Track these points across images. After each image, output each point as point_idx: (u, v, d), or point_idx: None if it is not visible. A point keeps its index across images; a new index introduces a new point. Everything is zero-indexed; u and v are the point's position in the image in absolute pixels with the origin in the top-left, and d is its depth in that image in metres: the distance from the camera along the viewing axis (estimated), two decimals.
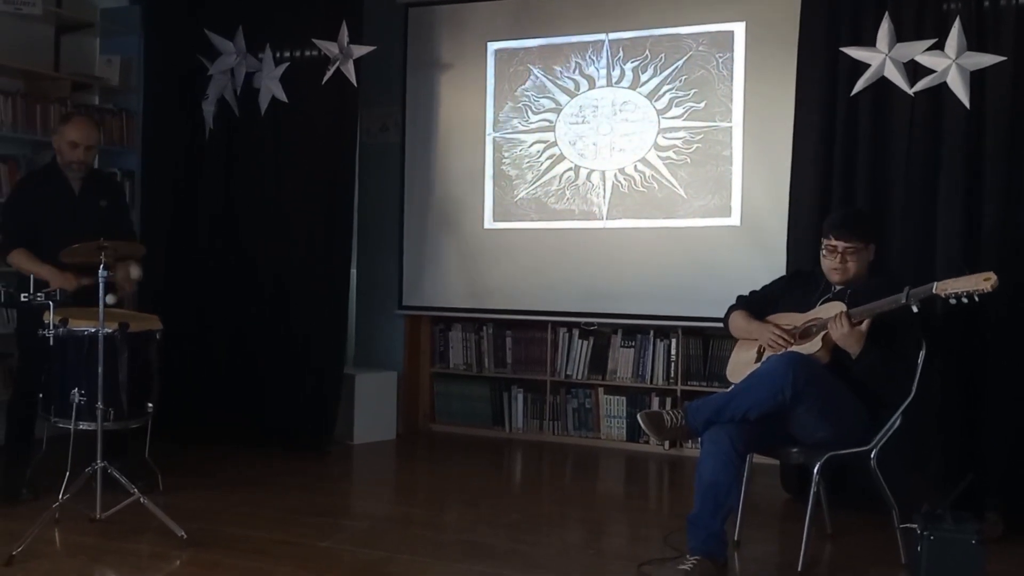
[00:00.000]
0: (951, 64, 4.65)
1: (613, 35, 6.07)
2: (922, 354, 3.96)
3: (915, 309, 3.72)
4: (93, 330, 4.20)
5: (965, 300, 3.65)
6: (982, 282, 3.61)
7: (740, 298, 4.34)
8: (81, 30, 6.49)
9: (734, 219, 5.78)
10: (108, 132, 6.37)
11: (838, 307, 3.89)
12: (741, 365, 4.13)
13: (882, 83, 4.82)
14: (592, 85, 6.14)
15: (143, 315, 4.66)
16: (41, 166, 5.35)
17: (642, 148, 6.00)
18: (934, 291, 3.69)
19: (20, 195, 4.94)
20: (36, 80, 6.13)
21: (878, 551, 4.10)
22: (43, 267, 4.56)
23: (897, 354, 3.87)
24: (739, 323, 4.26)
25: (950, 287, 3.66)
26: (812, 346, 3.89)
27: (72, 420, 4.22)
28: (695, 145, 5.87)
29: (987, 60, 4.61)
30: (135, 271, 4.73)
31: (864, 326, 3.80)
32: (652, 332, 6.16)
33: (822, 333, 3.89)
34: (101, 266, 4.09)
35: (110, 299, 4.58)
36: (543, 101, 6.26)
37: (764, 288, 4.34)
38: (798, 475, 4.87)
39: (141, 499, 4.14)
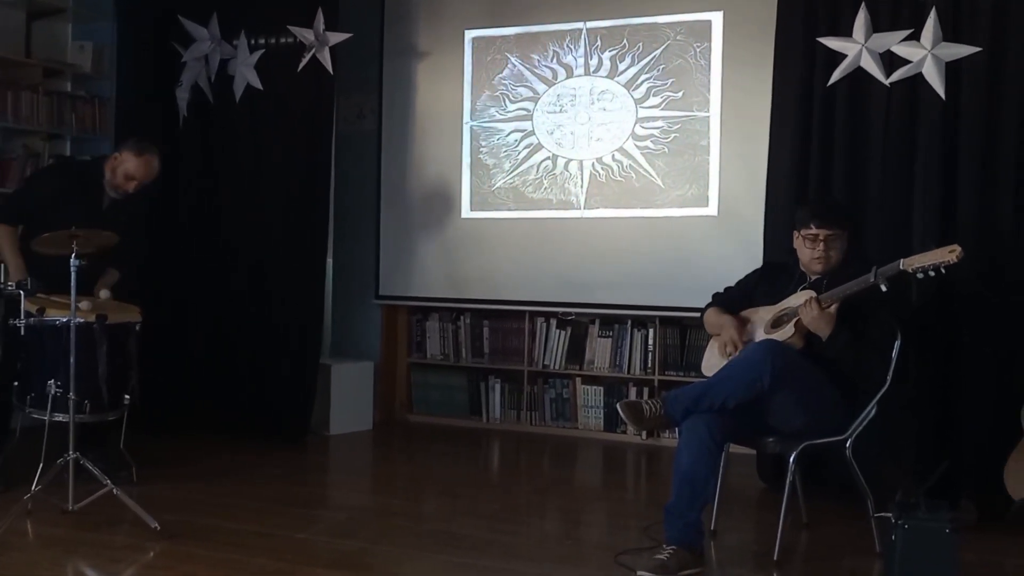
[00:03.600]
0: (927, 55, 4.66)
1: (591, 24, 6.05)
2: (897, 343, 3.97)
3: (884, 288, 3.74)
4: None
5: (932, 274, 3.68)
6: (947, 254, 3.64)
7: (715, 295, 4.36)
8: (53, 15, 6.42)
9: (711, 209, 5.79)
10: (80, 119, 6.32)
11: (808, 294, 3.92)
12: (715, 359, 4.14)
13: (858, 73, 4.83)
14: (570, 74, 6.12)
15: (122, 306, 4.62)
16: (80, 161, 5.25)
17: (620, 137, 6.00)
18: (901, 267, 3.71)
19: (43, 182, 4.91)
20: (7, 66, 6.06)
21: (853, 540, 4.12)
22: (12, 253, 4.50)
23: (868, 336, 3.89)
24: (711, 319, 4.29)
25: (916, 262, 3.70)
26: (785, 333, 3.91)
27: (47, 411, 4.19)
28: (672, 135, 5.87)
29: (963, 51, 4.62)
30: (104, 294, 4.71)
31: (833, 309, 3.82)
32: (629, 322, 6.17)
33: (794, 319, 3.91)
34: (72, 256, 4.05)
35: (90, 303, 4.53)
36: (520, 90, 6.24)
37: (738, 283, 4.35)
38: (774, 465, 4.89)
39: (114, 490, 4.11)
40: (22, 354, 4.33)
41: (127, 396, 4.41)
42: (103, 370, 4.29)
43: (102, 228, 4.35)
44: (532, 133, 6.22)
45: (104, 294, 4.67)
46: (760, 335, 4.01)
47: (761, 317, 4.11)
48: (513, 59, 6.25)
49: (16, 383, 4.36)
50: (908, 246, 4.63)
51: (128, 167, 4.76)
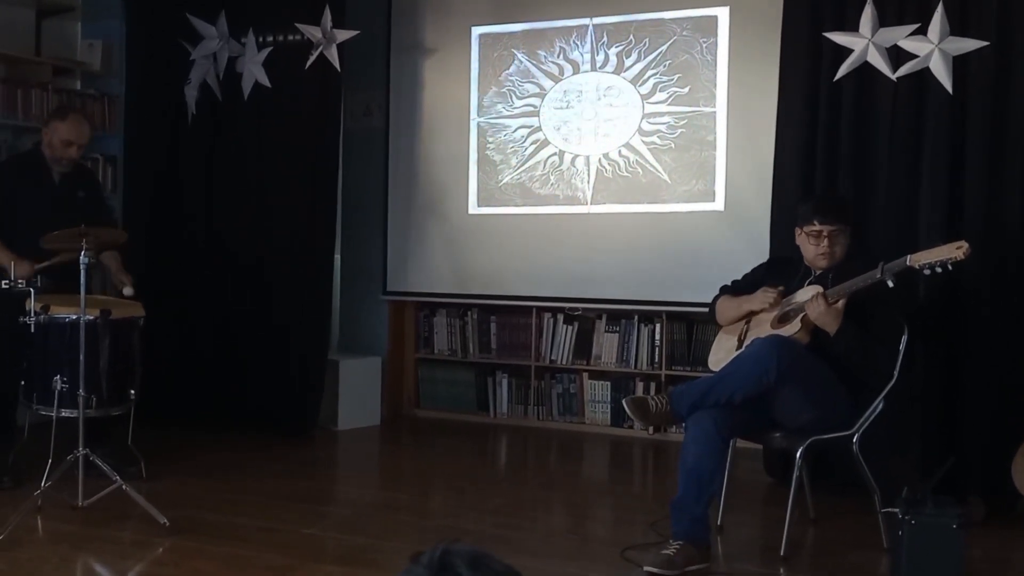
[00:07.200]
0: (934, 49, 4.64)
1: (597, 20, 6.05)
2: (904, 338, 3.97)
3: (890, 284, 3.73)
4: (75, 317, 4.18)
5: (939, 270, 3.68)
6: (954, 250, 3.64)
7: (723, 288, 4.36)
8: (62, 14, 6.45)
9: (718, 204, 5.79)
10: (90, 117, 6.32)
11: (815, 289, 3.92)
12: (723, 354, 4.14)
13: (865, 68, 4.81)
14: (576, 70, 6.12)
15: (126, 302, 4.64)
16: (22, 151, 5.31)
17: (626, 133, 6.00)
18: (908, 263, 3.71)
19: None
20: (17, 65, 6.09)
21: (860, 535, 4.12)
22: (4, 252, 4.53)
23: (875, 331, 3.89)
24: (726, 305, 4.27)
25: (923, 258, 3.69)
26: (792, 327, 3.91)
27: (54, 407, 4.21)
28: (679, 130, 5.86)
29: (970, 45, 4.60)
30: (128, 291, 4.72)
31: (840, 304, 3.82)
32: (636, 317, 6.16)
33: (801, 315, 3.90)
34: (83, 253, 4.07)
35: (127, 291, 4.59)
36: (527, 86, 6.24)
37: (744, 277, 4.35)
38: (781, 459, 4.88)
39: (123, 486, 4.12)
40: (27, 351, 4.36)
41: (132, 391, 4.43)
42: (104, 365, 4.31)
43: (60, 202, 4.69)
44: (539, 129, 6.22)
45: (127, 291, 4.69)
46: (766, 330, 4.01)
47: (767, 312, 4.11)
48: (520, 55, 6.25)
49: (23, 381, 4.39)
50: (915, 242, 4.62)
51: (60, 134, 4.81)
